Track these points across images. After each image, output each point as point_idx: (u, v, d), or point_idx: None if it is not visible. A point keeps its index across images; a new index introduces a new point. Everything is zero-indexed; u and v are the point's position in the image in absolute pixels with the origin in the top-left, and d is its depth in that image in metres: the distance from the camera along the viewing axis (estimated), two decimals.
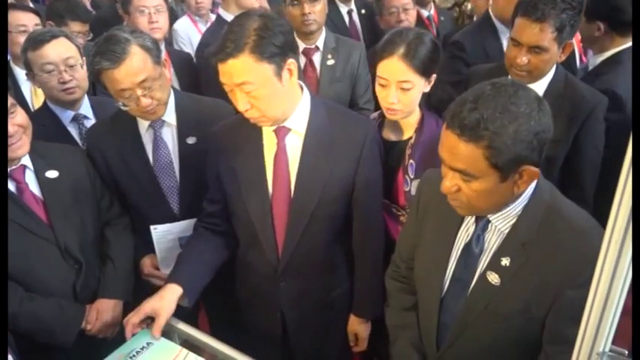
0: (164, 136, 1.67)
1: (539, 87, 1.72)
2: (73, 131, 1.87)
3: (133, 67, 1.47)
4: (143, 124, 1.65)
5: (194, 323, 1.63)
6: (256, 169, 1.42)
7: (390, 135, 1.67)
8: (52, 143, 1.63)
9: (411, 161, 1.58)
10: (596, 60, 2.06)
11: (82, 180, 1.58)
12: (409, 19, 2.62)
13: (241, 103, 1.27)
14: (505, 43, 2.32)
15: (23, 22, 2.29)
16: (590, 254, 0.86)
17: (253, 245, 1.50)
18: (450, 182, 1.05)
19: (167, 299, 1.35)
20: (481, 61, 2.22)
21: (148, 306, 1.33)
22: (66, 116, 1.86)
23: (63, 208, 1.51)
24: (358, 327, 1.63)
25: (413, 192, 1.57)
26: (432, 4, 3.28)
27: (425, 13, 3.23)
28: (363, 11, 3.39)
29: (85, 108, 1.90)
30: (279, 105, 1.32)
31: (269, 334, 1.60)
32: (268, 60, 1.23)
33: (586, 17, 1.94)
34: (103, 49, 1.47)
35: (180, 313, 1.48)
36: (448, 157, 1.03)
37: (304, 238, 1.44)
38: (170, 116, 1.66)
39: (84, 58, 1.83)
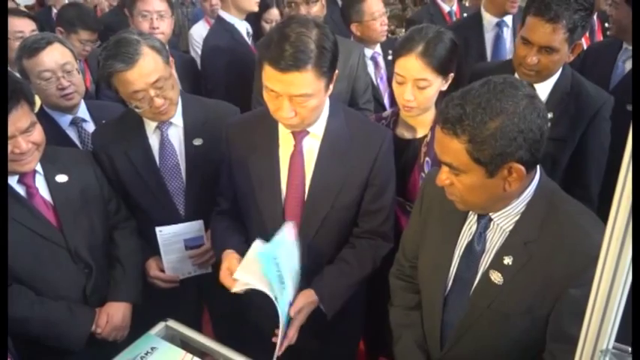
0: (171, 137, 1.68)
1: (546, 86, 1.72)
2: (73, 135, 1.88)
3: (146, 68, 1.49)
4: (150, 126, 1.66)
5: (197, 327, 1.64)
6: (270, 169, 1.42)
7: (404, 133, 1.67)
8: (61, 147, 1.64)
9: (427, 159, 1.60)
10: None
11: (91, 184, 1.59)
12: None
13: (286, 111, 1.26)
14: (487, 37, 2.46)
15: (20, 28, 2.30)
16: (592, 252, 0.86)
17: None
18: (444, 176, 1.08)
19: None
20: (462, 50, 2.32)
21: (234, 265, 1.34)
22: (64, 120, 1.87)
23: (73, 212, 1.52)
24: (308, 303, 1.41)
25: None
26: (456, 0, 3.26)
27: (446, 8, 3.20)
28: None
29: (83, 111, 1.91)
30: (318, 113, 1.35)
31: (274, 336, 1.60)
32: (324, 74, 1.25)
33: (629, 2, 1.95)
34: (115, 52, 1.47)
35: (183, 316, 1.49)
36: (438, 150, 1.06)
37: (315, 241, 1.44)
38: (177, 118, 1.67)
39: (78, 61, 1.84)
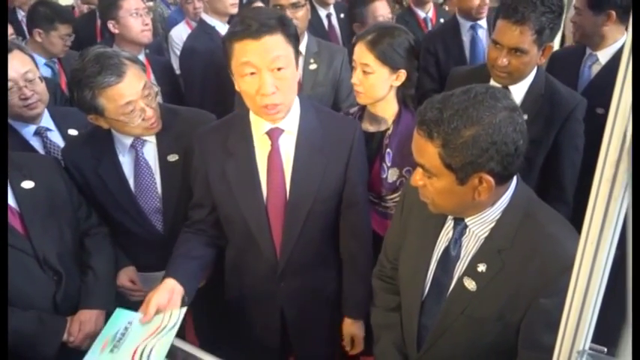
0: (146, 154, 1.63)
1: (521, 88, 1.75)
2: (37, 145, 1.79)
3: (134, 77, 1.47)
4: (124, 145, 1.61)
5: (181, 334, 1.61)
6: (249, 172, 1.42)
7: (368, 126, 1.75)
8: (27, 153, 1.59)
9: (388, 150, 1.69)
10: (605, 54, 2.07)
11: (59, 189, 1.55)
12: None
13: (268, 86, 1.26)
14: (465, 39, 2.58)
15: None
16: (564, 262, 0.87)
17: (249, 248, 1.49)
18: (418, 177, 1.08)
19: (174, 301, 1.35)
20: (443, 53, 2.49)
21: (154, 303, 1.31)
22: (27, 131, 1.78)
23: (40, 219, 1.47)
24: (352, 328, 1.62)
25: (390, 179, 1.70)
26: (431, 4, 3.29)
27: (422, 14, 3.23)
28: (342, 15, 3.42)
29: (46, 120, 1.82)
30: (294, 91, 1.36)
31: (267, 335, 1.61)
32: (292, 43, 1.29)
33: (593, 9, 1.98)
34: (100, 67, 1.43)
35: None
36: (414, 151, 1.06)
37: (302, 236, 1.45)
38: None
39: (53, 62, 1.78)
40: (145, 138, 1.62)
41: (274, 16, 1.27)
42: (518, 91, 1.75)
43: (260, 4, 2.96)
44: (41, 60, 2.57)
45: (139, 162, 1.63)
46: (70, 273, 1.53)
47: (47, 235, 1.48)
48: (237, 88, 1.34)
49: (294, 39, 1.30)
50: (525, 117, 1.69)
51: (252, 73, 1.26)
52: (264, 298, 1.55)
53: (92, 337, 1.52)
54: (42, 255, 1.45)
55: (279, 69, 1.26)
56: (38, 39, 2.61)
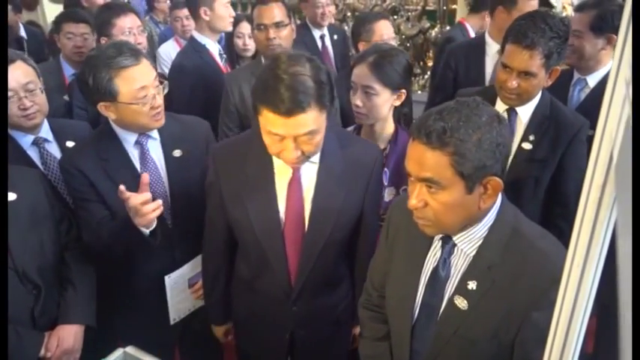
0: (151, 150, 1.66)
1: (527, 110, 1.80)
2: (34, 155, 1.78)
3: (148, 66, 1.55)
4: (129, 142, 1.63)
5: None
6: (267, 197, 1.38)
7: None
8: (10, 165, 1.55)
9: (385, 169, 1.68)
10: (594, 78, 2.10)
11: (41, 202, 1.52)
12: None
13: (292, 152, 1.22)
14: (488, 62, 2.52)
15: None
16: (553, 275, 0.87)
17: (264, 270, 1.46)
18: (416, 198, 1.04)
19: None
20: (463, 70, 2.48)
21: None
22: (25, 140, 1.77)
23: (21, 232, 1.44)
24: (357, 330, 1.67)
25: (386, 199, 1.69)
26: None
27: (472, 32, 3.19)
28: (335, 37, 3.48)
29: (45, 131, 1.82)
30: (319, 148, 1.32)
31: (274, 355, 1.59)
32: (326, 107, 1.22)
33: (595, 32, 2.02)
34: (119, 52, 1.49)
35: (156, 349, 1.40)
36: (415, 167, 1.03)
37: (317, 263, 1.43)
38: (153, 131, 1.67)
39: (41, 79, 1.76)
40: (149, 134, 1.64)
41: (311, 85, 1.16)
42: (525, 113, 1.80)
43: (246, 23, 2.99)
44: (70, 70, 2.60)
45: (144, 157, 1.65)
46: (50, 287, 1.50)
47: (28, 248, 1.45)
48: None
49: (329, 102, 1.22)
50: (532, 138, 1.76)
51: (276, 135, 1.21)
52: (275, 320, 1.53)
53: (70, 353, 1.49)
54: (21, 268, 1.42)
55: (308, 138, 1.21)
56: (58, 44, 2.64)
